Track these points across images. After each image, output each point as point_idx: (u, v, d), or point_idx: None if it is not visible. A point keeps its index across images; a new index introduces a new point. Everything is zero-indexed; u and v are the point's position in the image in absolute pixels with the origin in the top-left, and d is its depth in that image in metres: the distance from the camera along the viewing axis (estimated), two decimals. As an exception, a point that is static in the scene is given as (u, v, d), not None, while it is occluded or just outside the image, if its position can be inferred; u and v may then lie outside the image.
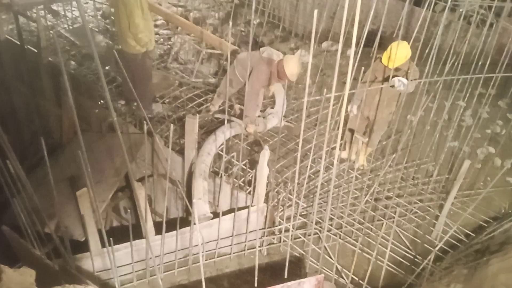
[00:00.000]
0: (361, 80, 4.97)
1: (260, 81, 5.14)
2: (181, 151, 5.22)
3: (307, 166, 4.61)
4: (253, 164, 4.98)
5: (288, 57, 5.05)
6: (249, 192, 4.79)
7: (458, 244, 4.64)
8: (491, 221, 4.95)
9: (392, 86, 4.61)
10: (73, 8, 7.70)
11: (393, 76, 4.65)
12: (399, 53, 4.52)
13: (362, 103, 5.02)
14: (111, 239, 3.41)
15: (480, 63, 4.92)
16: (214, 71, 7.40)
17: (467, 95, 5.26)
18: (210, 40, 6.90)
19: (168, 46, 7.65)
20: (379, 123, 5.17)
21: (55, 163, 5.21)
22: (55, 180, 3.58)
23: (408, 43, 4.80)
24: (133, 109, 5.76)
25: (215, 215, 4.41)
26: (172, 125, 3.60)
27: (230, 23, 7.41)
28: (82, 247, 4.06)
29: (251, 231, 4.58)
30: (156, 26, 8.02)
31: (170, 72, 6.81)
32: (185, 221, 4.99)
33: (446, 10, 4.77)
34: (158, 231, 4.11)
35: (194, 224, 3.89)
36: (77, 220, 4.21)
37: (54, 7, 7.85)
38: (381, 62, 4.76)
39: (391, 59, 4.58)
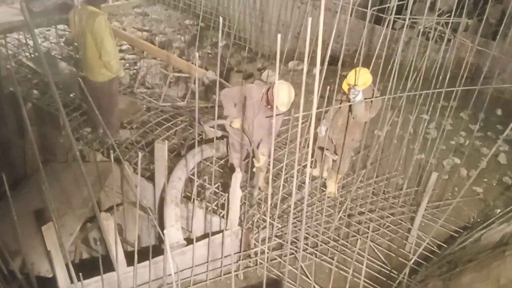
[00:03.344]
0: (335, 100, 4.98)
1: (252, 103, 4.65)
2: (151, 177, 5.12)
3: (280, 186, 4.61)
4: (226, 186, 4.93)
5: (280, 83, 4.49)
6: (223, 216, 4.73)
7: (431, 256, 4.70)
8: (462, 231, 5.06)
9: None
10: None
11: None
12: (359, 79, 4.58)
13: (330, 126, 5.05)
14: (80, 273, 3.27)
15: (440, 77, 5.09)
16: (182, 94, 7.37)
17: (430, 108, 5.41)
18: (177, 64, 6.89)
19: (135, 71, 7.58)
20: (343, 149, 5.14)
21: (19, 196, 5.01)
22: (20, 214, 3.43)
23: (371, 60, 4.91)
24: (99, 136, 5.63)
25: (189, 241, 4.32)
26: (140, 151, 3.53)
27: (197, 45, 7.47)
28: (50, 283, 3.87)
29: (226, 256, 4.51)
30: (121, 51, 7.95)
31: (138, 97, 6.72)
32: (158, 249, 4.86)
33: (405, 27, 4.93)
34: (130, 261, 3.98)
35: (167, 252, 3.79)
36: (44, 255, 4.03)
37: (15, 35, 7.68)
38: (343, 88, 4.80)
39: (350, 81, 4.63)
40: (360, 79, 4.56)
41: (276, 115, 4.46)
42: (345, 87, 4.70)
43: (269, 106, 4.59)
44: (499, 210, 5.28)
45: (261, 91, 4.60)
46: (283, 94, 4.42)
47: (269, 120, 4.70)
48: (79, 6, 4.98)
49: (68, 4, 6.90)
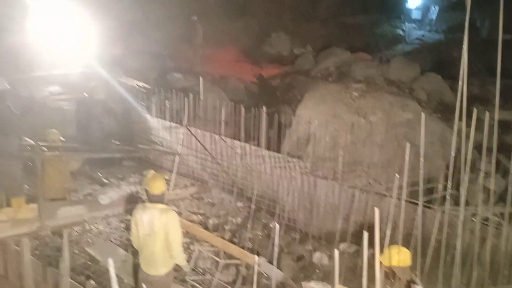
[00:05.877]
0: None
1: None
2: None
3: None
4: None
5: None
6: None
7: None
8: None
9: None
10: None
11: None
12: (397, 254, 4.42)
13: None
14: None
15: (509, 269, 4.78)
16: (232, 279, 7.27)
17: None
18: (229, 250, 7.00)
19: (187, 255, 7.70)
20: None
21: None
22: None
23: (427, 245, 4.72)
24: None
25: None
26: None
27: (249, 228, 7.64)
28: None
29: None
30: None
31: (188, 284, 6.69)
32: None
33: (461, 217, 4.88)
34: None
35: None
36: None
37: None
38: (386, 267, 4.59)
39: (388, 257, 4.45)
40: (398, 255, 4.38)
41: None
42: (382, 258, 4.47)
43: None
44: None
45: None
46: None
47: None
48: (147, 205, 5.20)
49: (133, 196, 7.51)
